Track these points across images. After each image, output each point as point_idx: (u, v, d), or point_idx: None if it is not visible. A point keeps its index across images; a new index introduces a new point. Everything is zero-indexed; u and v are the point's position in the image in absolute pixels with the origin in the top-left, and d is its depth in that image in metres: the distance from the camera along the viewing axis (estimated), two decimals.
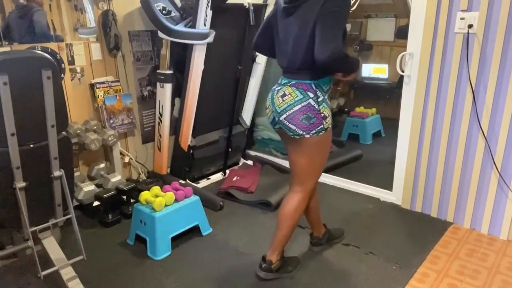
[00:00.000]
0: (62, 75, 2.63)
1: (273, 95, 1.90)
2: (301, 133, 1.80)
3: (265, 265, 2.02)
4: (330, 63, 1.66)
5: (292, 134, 1.83)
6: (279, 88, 1.88)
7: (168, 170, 3.24)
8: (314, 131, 1.79)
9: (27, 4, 2.47)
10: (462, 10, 2.23)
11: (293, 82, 1.82)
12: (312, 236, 2.29)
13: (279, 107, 1.84)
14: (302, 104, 1.78)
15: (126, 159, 3.09)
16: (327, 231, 2.30)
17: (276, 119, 1.88)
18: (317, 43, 1.67)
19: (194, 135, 3.05)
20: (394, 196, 2.81)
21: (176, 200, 2.34)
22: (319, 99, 1.79)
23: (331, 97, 4.42)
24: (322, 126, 1.80)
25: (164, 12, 2.82)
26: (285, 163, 3.43)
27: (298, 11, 1.74)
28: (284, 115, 1.82)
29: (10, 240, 2.02)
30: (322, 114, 1.79)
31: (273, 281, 2.03)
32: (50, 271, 1.78)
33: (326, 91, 1.85)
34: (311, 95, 1.78)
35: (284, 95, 1.83)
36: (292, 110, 1.79)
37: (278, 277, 2.05)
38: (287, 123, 1.82)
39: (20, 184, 1.67)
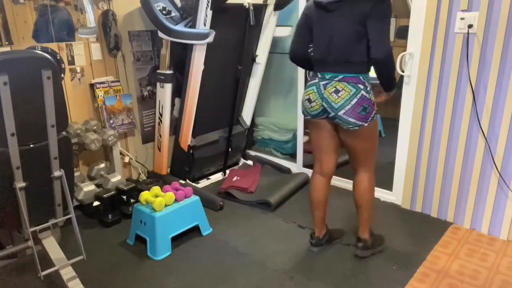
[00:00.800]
0: (62, 75, 2.63)
1: (319, 89, 1.97)
2: (360, 123, 1.93)
3: (361, 244, 2.18)
4: (385, 62, 1.84)
5: (351, 126, 1.94)
6: (325, 82, 1.95)
7: (168, 170, 3.24)
8: (370, 118, 1.94)
9: (47, 3, 2.48)
10: (462, 10, 2.23)
11: (340, 76, 1.92)
12: (312, 236, 2.29)
13: (335, 103, 1.92)
14: (358, 97, 1.89)
15: (126, 159, 3.09)
16: (327, 232, 2.31)
17: (332, 114, 1.96)
18: (373, 42, 1.82)
19: (194, 135, 3.05)
20: (394, 196, 2.82)
21: (176, 200, 2.34)
22: (368, 89, 1.92)
23: None
24: (374, 111, 1.95)
25: (164, 12, 2.82)
26: (285, 163, 3.44)
27: (343, 8, 1.86)
28: (343, 110, 1.91)
29: (10, 240, 2.02)
30: (373, 101, 1.94)
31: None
32: (50, 271, 1.78)
33: (369, 81, 1.97)
34: (362, 86, 1.90)
35: (337, 91, 1.91)
36: (350, 105, 1.90)
37: (374, 252, 2.22)
38: (347, 117, 1.92)
39: (20, 184, 1.67)
